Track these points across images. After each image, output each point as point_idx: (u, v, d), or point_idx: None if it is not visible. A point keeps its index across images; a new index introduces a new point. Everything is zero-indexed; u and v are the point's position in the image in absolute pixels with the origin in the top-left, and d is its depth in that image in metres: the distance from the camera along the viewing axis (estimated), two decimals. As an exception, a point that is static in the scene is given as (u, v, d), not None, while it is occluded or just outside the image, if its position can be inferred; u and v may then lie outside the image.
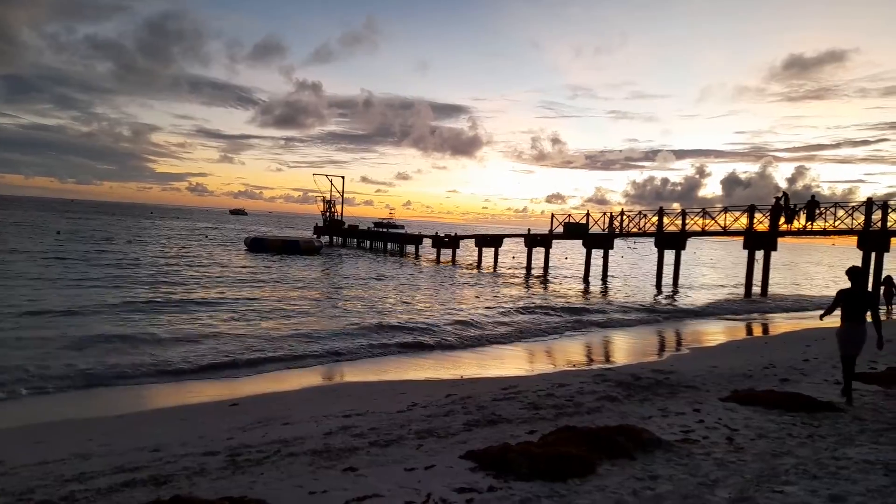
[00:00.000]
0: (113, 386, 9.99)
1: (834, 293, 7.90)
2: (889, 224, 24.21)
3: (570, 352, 14.61)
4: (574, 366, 12.29)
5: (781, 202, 27.30)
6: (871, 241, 23.79)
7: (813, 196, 27.01)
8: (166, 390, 9.97)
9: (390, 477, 4.85)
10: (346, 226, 60.91)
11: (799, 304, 27.59)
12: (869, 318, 7.56)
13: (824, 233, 26.51)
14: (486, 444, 5.65)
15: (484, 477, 4.81)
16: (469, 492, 4.50)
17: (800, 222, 27.22)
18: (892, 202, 24.51)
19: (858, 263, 13.41)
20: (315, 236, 56.65)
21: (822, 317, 8.05)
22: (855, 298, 7.62)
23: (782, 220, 27.20)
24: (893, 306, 22.02)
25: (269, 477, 4.95)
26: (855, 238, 24.47)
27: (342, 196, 61.07)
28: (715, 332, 18.31)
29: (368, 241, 59.06)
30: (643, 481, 4.68)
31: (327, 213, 60.89)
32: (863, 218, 24.48)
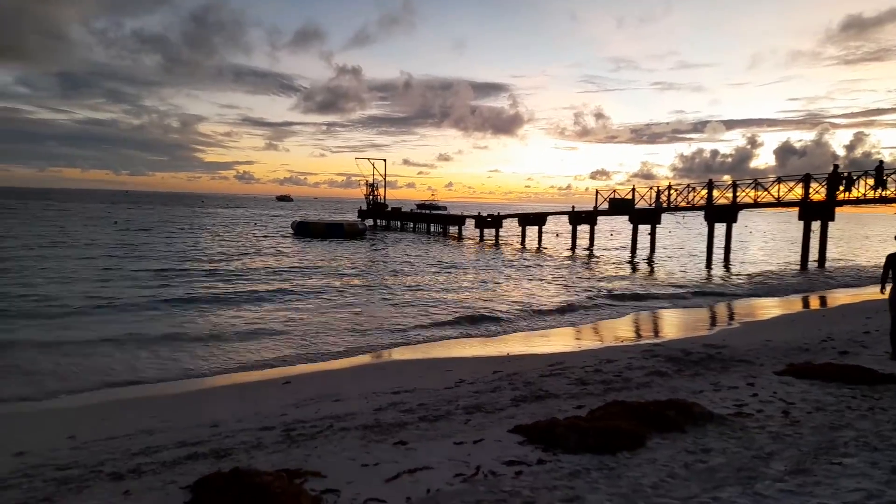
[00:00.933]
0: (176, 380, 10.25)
1: None
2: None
3: (618, 329, 14.44)
4: (622, 342, 12.16)
5: (840, 173, 26.17)
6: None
7: (881, 162, 25.72)
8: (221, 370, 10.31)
9: (440, 450, 4.93)
10: (389, 208, 61.36)
11: (858, 276, 26.46)
12: None
13: (884, 200, 25.26)
14: (533, 419, 5.67)
15: (532, 450, 4.84)
16: (518, 464, 4.53)
17: (858, 191, 26.03)
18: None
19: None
20: (359, 220, 57.30)
21: (881, 289, 7.78)
22: None
23: (841, 188, 26.06)
24: None
25: (323, 450, 5.10)
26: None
27: (384, 179, 61.53)
28: (768, 306, 17.77)
29: (412, 223, 59.41)
30: (695, 454, 4.63)
31: (371, 197, 61.42)
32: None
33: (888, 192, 25.01)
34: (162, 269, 23.82)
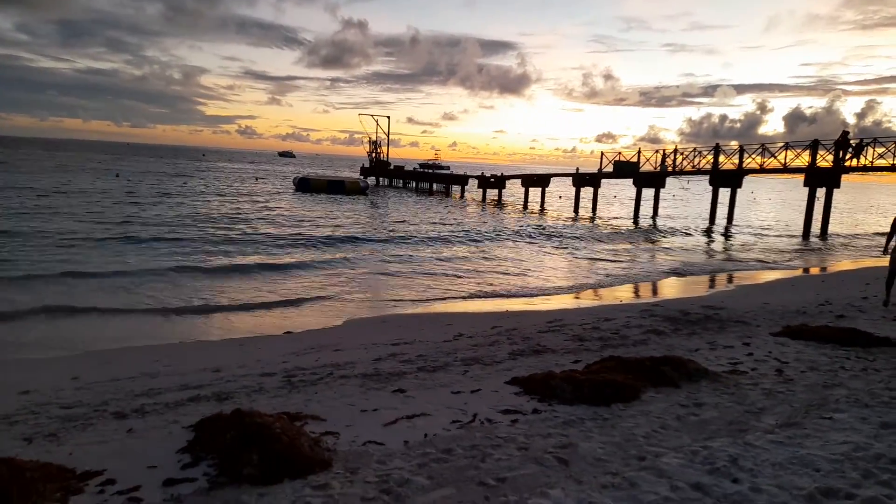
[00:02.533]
0: (175, 317, 10.54)
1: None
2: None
3: (617, 289, 14.51)
4: (621, 301, 12.23)
5: (850, 139, 25.87)
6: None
7: (845, 132, 25.63)
8: (220, 321, 10.44)
9: (437, 399, 5.02)
10: (391, 167, 60.97)
11: (859, 244, 26.45)
12: None
13: (892, 168, 25.03)
14: (530, 371, 5.76)
15: (528, 401, 4.93)
16: (514, 413, 4.62)
17: (866, 158, 25.78)
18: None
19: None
20: (361, 177, 57.01)
21: (884, 250, 7.96)
22: None
23: (849, 155, 25.81)
24: None
25: (323, 396, 5.19)
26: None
27: (388, 137, 60.91)
28: (768, 271, 17.81)
29: (414, 182, 59.10)
30: (688, 408, 4.71)
31: (373, 155, 60.94)
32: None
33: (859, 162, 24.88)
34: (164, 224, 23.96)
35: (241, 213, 28.68)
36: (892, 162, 24.90)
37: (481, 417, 4.52)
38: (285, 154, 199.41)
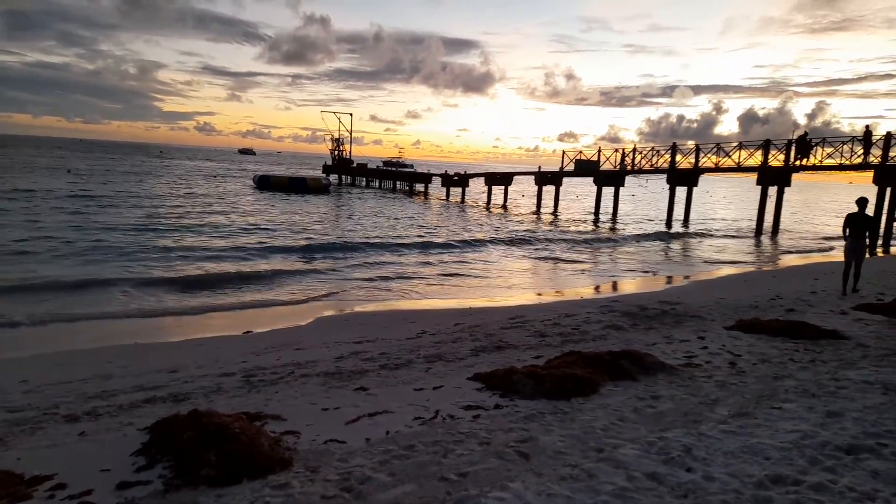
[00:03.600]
0: (127, 318, 10.21)
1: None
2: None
3: (578, 285, 14.72)
4: (581, 297, 12.42)
5: (808, 139, 26.68)
6: (887, 175, 23.38)
7: (805, 133, 26.57)
8: (180, 321, 10.20)
9: (400, 396, 5.02)
10: (354, 164, 60.49)
11: (809, 240, 27.47)
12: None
13: (840, 167, 26.02)
14: (493, 367, 5.81)
15: (490, 396, 4.97)
16: (476, 409, 4.66)
17: (816, 158, 26.73)
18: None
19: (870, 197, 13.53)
20: (323, 175, 56.42)
21: (844, 237, 10.87)
22: (859, 220, 10.72)
23: (798, 156, 26.72)
24: None
25: (284, 395, 5.13)
26: (871, 173, 24.05)
27: (350, 135, 60.44)
28: (723, 267, 18.33)
29: (377, 181, 58.76)
30: (645, 400, 4.82)
31: (336, 152, 60.35)
32: (880, 153, 23.96)
33: (844, 160, 25.72)
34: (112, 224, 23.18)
35: (194, 214, 27.48)
36: (839, 161, 25.87)
37: (443, 413, 4.54)
38: (246, 151, 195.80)
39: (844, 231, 10.92)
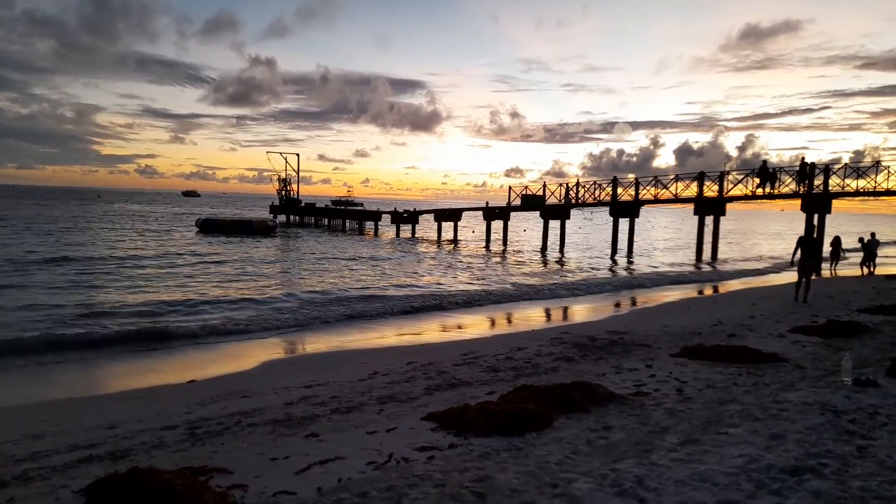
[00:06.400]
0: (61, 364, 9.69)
1: (783, 252, 11.17)
2: (830, 188, 25.33)
3: (528, 317, 14.86)
4: (532, 330, 12.52)
5: (770, 169, 27.39)
6: (814, 203, 24.82)
7: (764, 162, 27.83)
8: (119, 371, 9.76)
9: (352, 440, 4.90)
10: (302, 204, 60.00)
11: (746, 266, 28.69)
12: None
13: (770, 196, 27.43)
14: (446, 406, 5.75)
15: (445, 436, 4.91)
16: (430, 450, 4.58)
17: (747, 188, 28.09)
18: (834, 167, 25.62)
19: (802, 225, 14.80)
20: (271, 216, 55.64)
21: (791, 262, 13.50)
22: (809, 241, 13.23)
23: (756, 182, 27.41)
24: (837, 264, 22.97)
25: (230, 446, 4.93)
26: (799, 202, 25.50)
27: (297, 174, 60.02)
28: (666, 295, 18.86)
29: (326, 219, 58.37)
30: (597, 432, 4.86)
31: (283, 192, 59.79)
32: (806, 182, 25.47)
33: (775, 190, 27.12)
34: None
35: (126, 265, 24.28)
36: (768, 191, 27.29)
37: (397, 457, 4.45)
38: (190, 193, 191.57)
39: (795, 251, 13.25)
